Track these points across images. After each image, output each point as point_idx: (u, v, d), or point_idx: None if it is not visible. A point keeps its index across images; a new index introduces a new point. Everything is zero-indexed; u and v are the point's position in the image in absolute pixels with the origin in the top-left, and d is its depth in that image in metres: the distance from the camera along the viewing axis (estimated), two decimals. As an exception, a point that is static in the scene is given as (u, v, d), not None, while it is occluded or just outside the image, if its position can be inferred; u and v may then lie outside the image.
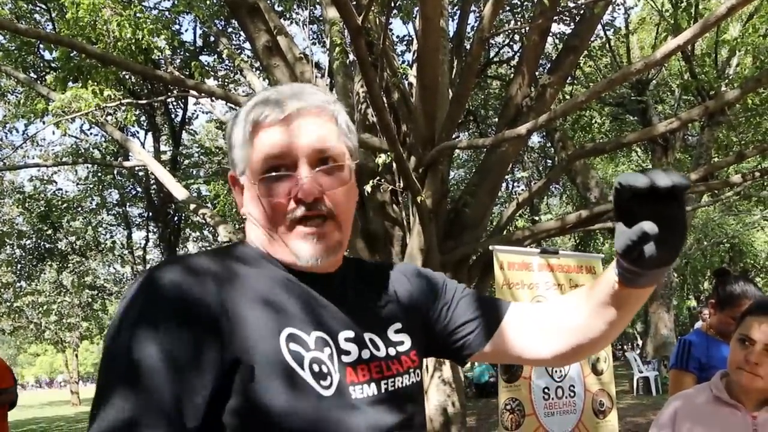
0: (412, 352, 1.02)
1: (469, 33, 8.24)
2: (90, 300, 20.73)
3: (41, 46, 9.28)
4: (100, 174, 15.31)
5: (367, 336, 0.97)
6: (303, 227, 0.91)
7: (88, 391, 45.32)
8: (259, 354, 0.83)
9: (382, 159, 5.29)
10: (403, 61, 8.59)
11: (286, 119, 0.92)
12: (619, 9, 11.38)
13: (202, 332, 0.81)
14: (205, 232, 17.05)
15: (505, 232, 7.17)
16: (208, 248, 19.25)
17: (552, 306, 1.12)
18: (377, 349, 0.97)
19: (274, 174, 0.91)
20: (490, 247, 4.32)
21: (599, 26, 10.34)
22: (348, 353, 0.92)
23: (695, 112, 6.16)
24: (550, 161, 14.00)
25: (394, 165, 5.39)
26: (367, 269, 1.11)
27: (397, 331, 1.02)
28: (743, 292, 2.58)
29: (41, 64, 11.19)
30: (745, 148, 8.59)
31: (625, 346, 29.00)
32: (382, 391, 0.93)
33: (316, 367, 0.86)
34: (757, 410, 1.79)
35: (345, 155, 0.96)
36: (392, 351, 0.99)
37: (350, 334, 0.94)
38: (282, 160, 0.91)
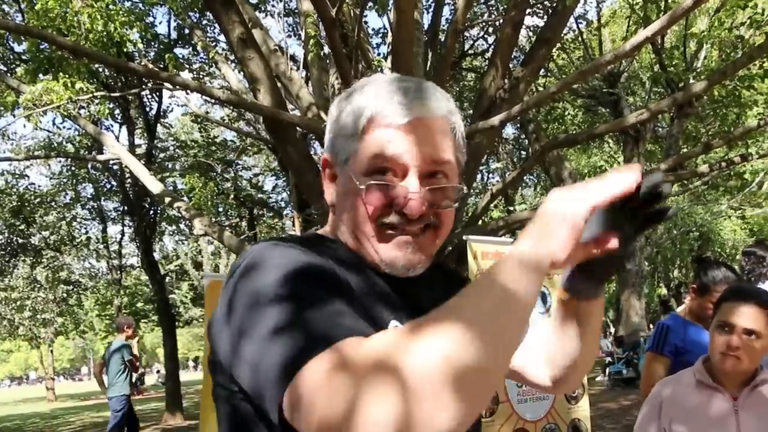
0: None
1: (443, 25, 8.30)
2: (65, 295, 20.49)
3: (10, 37, 9.12)
4: (73, 168, 15.11)
5: None
6: (401, 236, 0.88)
7: (64, 387, 44.71)
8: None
9: (357, 151, 5.33)
10: (379, 54, 8.63)
11: (407, 124, 0.86)
12: (591, 2, 11.55)
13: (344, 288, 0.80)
14: (182, 226, 16.95)
15: (480, 222, 7.26)
16: (183, 241, 18.94)
17: (542, 330, 1.11)
18: None
19: (382, 180, 0.86)
20: (464, 237, 4.39)
21: (572, 19, 10.49)
22: None
23: (664, 103, 6.31)
24: (524, 152, 14.16)
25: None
26: (434, 268, 1.07)
27: None
28: (725, 278, 2.66)
29: (11, 56, 10.99)
30: (712, 139, 8.80)
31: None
32: None
33: None
34: (738, 392, 1.89)
35: (456, 172, 0.91)
36: None
37: None
38: (392, 166, 0.86)
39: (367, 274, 0.90)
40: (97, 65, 8.20)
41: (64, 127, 13.98)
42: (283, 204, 16.38)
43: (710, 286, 2.68)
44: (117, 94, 9.29)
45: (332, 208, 0.96)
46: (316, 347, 0.64)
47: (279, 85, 6.64)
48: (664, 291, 23.83)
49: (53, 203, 15.82)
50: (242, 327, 0.73)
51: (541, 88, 10.34)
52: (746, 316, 1.87)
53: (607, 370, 13.25)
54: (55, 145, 14.06)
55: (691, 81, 9.74)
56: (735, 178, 12.18)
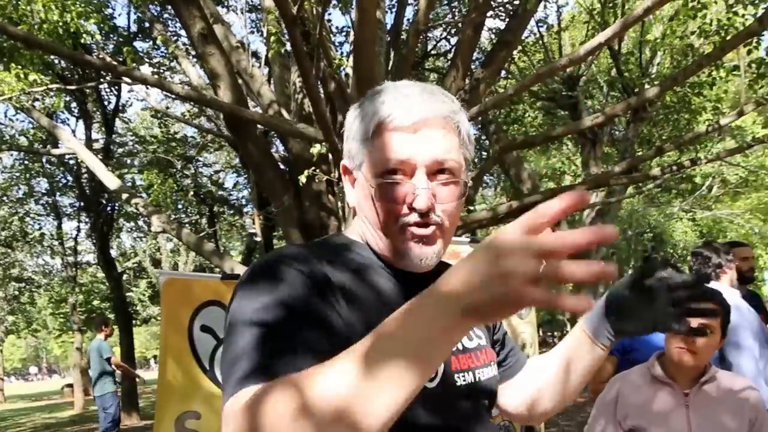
0: (488, 348, 1.09)
1: (406, 26, 8.35)
2: (17, 293, 19.89)
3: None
4: (27, 162, 14.68)
5: None
6: (414, 230, 0.95)
7: (15, 387, 43.29)
8: None
9: (317, 149, 5.35)
10: (341, 52, 8.64)
11: (412, 126, 0.93)
12: (551, 6, 11.77)
13: (318, 295, 0.86)
14: (140, 223, 16.63)
15: (439, 222, 7.34)
16: (141, 238, 18.62)
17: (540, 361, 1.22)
18: (470, 339, 1.05)
19: (392, 179, 0.94)
20: (422, 236, 4.43)
21: (533, 23, 10.67)
22: None
23: (619, 107, 6.50)
24: (485, 153, 14.33)
25: (330, 155, 5.46)
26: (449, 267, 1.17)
27: (477, 327, 1.09)
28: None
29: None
30: (665, 143, 9.08)
31: (555, 332, 30.09)
32: (476, 379, 1.00)
33: None
34: (689, 388, 1.99)
35: (461, 168, 0.98)
36: (480, 342, 1.07)
37: None
38: (402, 166, 0.93)
39: (382, 277, 0.98)
40: (52, 57, 8.00)
41: (16, 120, 13.58)
42: (243, 201, 16.23)
43: None
44: (73, 87, 9.05)
45: (353, 210, 1.05)
46: (243, 384, 0.73)
47: (240, 81, 6.60)
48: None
49: (5, 198, 15.35)
50: (224, 345, 0.84)
51: (502, 90, 10.49)
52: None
53: None
54: (7, 137, 13.61)
55: (646, 86, 10.04)
56: (686, 182, 12.57)
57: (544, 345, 18.76)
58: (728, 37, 6.82)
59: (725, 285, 3.11)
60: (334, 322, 0.85)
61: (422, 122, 0.93)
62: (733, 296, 3.04)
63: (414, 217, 0.94)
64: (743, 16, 7.08)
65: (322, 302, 0.86)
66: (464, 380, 0.98)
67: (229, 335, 0.82)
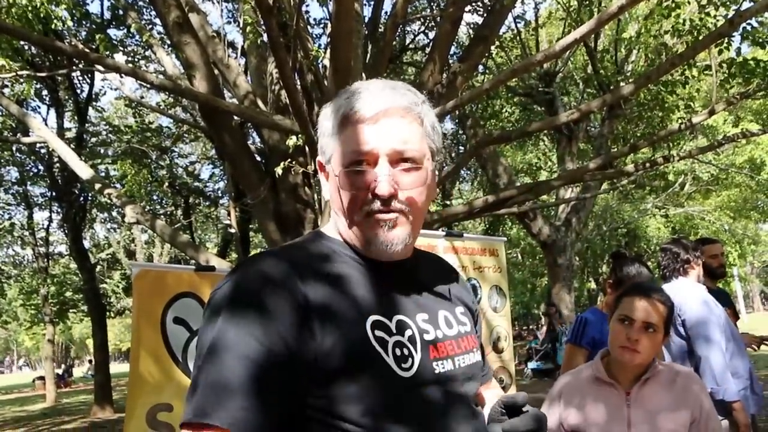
0: (472, 335, 1.12)
1: (384, 19, 8.34)
2: (-14, 284, 19.46)
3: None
4: (-4, 150, 14.36)
5: (441, 314, 1.07)
6: (378, 215, 0.98)
7: (-16, 381, 42.43)
8: (348, 342, 0.90)
9: (294, 141, 5.32)
10: (319, 44, 8.59)
11: (373, 117, 0.98)
12: (529, 3, 11.84)
13: (292, 325, 0.89)
14: (114, 213, 16.40)
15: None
16: (115, 229, 18.28)
17: None
18: (450, 327, 1.07)
19: (355, 168, 0.98)
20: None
21: (511, 19, 10.73)
22: (427, 332, 1.02)
23: (594, 104, 6.55)
24: (462, 148, 14.39)
25: (306, 147, 5.43)
26: (429, 258, 1.21)
27: (462, 313, 1.13)
28: (638, 274, 2.82)
29: (-73, 30, 10.31)
30: (639, 140, 9.20)
31: (531, 326, 30.41)
32: (456, 366, 1.03)
33: (398, 351, 0.95)
34: (631, 387, 1.99)
35: (425, 157, 1.02)
36: (462, 329, 1.09)
37: (425, 315, 1.03)
38: (365, 156, 0.97)
39: (358, 272, 1.00)
40: (22, 42, 7.82)
41: (-15, 107, 13.21)
42: (219, 193, 16.10)
43: (625, 281, 2.83)
44: (44, 74, 8.85)
45: (328, 204, 1.07)
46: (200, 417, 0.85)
47: (216, 71, 6.52)
48: (593, 285, 24.75)
49: (-27, 187, 15.00)
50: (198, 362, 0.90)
51: (479, 84, 10.53)
52: (646, 310, 1.97)
53: (529, 365, 13.73)
54: (-25, 125, 13.29)
55: (621, 84, 10.15)
56: (659, 179, 12.75)
57: (519, 339, 18.96)
58: (700, 37, 6.92)
59: (692, 281, 3.16)
60: (305, 358, 0.88)
61: (382, 113, 0.98)
62: (700, 291, 3.11)
63: (377, 205, 0.97)
64: (715, 17, 7.18)
65: (298, 334, 0.88)
66: (443, 368, 1.00)
67: (205, 357, 0.87)
